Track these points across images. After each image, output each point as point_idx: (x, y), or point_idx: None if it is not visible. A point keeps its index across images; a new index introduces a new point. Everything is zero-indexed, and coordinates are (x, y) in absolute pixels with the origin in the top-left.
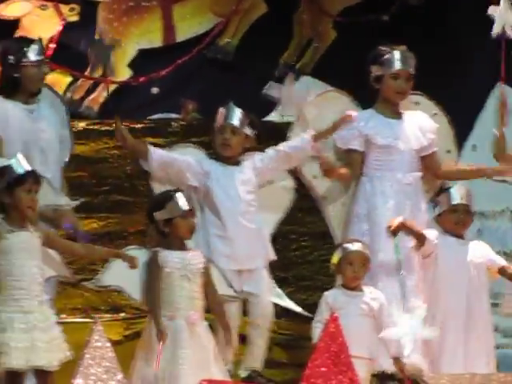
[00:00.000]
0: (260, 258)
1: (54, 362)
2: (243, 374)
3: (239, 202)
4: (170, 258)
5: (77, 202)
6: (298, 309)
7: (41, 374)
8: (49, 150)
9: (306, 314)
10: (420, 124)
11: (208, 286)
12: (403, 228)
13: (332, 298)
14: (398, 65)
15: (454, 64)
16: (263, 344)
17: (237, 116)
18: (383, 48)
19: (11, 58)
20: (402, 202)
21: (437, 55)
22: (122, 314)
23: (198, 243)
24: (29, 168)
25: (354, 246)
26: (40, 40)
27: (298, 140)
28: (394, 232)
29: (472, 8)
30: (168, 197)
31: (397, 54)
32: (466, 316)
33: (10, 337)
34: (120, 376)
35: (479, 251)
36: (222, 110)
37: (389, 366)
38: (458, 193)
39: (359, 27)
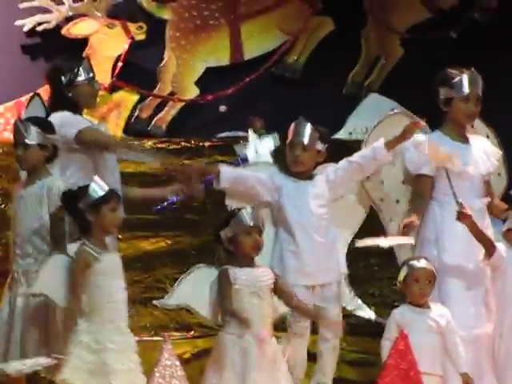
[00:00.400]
0: (332, 272)
1: None
2: None
3: (311, 216)
4: (239, 275)
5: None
6: (380, 319)
7: None
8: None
9: (384, 322)
10: (485, 149)
11: (281, 291)
12: (472, 227)
13: (400, 315)
14: (468, 88)
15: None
16: (333, 359)
17: (307, 132)
18: (452, 70)
19: (63, 78)
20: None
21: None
22: (191, 333)
23: (272, 259)
24: (108, 188)
25: (420, 263)
26: (88, 59)
27: (370, 149)
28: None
29: None
30: (232, 214)
31: (466, 77)
32: None
33: (112, 358)
34: None
35: None
36: (292, 126)
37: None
38: None
39: (427, 44)
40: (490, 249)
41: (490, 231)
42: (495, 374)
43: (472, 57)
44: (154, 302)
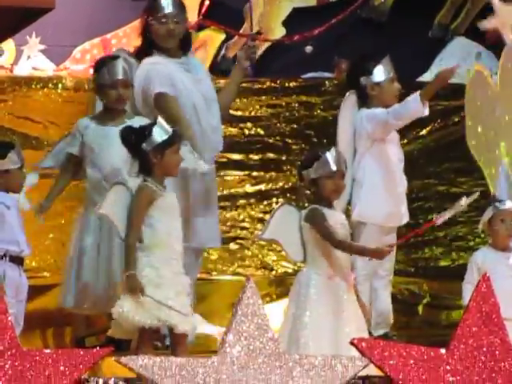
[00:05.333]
0: None
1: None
2: (378, 332)
3: None
4: (330, 215)
5: (208, 167)
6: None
7: (180, 335)
8: (210, 99)
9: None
10: None
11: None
12: None
13: (481, 258)
14: None
15: None
16: (389, 295)
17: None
18: None
19: (146, 16)
20: None
21: None
22: (273, 272)
23: None
24: (173, 129)
25: (506, 204)
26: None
27: (404, 104)
28: None
29: None
30: (317, 156)
31: None
32: None
33: (171, 297)
34: (271, 333)
35: None
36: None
37: None
38: None
39: None
40: None
41: None
42: None
43: None
44: (255, 235)
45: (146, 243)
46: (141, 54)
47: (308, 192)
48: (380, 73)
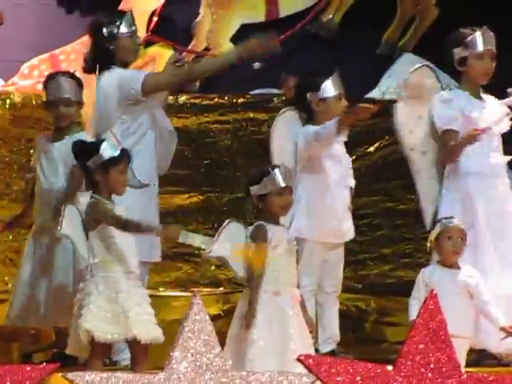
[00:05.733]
0: None
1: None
2: (325, 349)
3: None
4: (275, 232)
5: (148, 184)
6: None
7: (141, 347)
8: None
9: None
10: (498, 107)
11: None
12: None
13: (429, 274)
14: (481, 45)
15: None
16: (336, 312)
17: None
18: (464, 30)
19: (105, 30)
20: (494, 181)
21: None
22: (221, 289)
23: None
24: (121, 148)
25: (453, 221)
26: (131, 13)
27: (322, 127)
28: None
29: None
30: (265, 172)
31: (479, 35)
32: None
33: (131, 307)
34: (218, 349)
35: None
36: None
37: (489, 344)
38: None
39: (463, 4)
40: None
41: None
42: None
43: (508, 17)
44: (202, 254)
45: (101, 259)
46: (93, 67)
47: (255, 208)
48: (327, 89)
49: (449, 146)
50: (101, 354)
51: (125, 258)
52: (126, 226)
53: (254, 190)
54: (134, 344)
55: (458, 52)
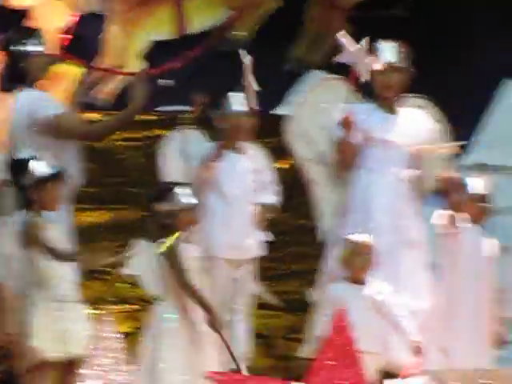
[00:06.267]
0: None
1: None
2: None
3: None
4: (185, 248)
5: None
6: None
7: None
8: None
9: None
10: (417, 122)
11: None
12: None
13: (337, 291)
14: (383, 59)
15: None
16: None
17: None
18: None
19: (14, 48)
20: (396, 197)
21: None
22: (131, 306)
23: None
24: (53, 167)
25: (361, 237)
26: (40, 30)
27: None
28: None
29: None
30: (169, 188)
31: (382, 48)
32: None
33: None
34: (127, 367)
35: (493, 246)
36: None
37: (397, 360)
38: (474, 182)
39: (373, 22)
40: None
41: (411, 204)
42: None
43: (418, 35)
44: (113, 270)
45: (42, 280)
46: (7, 84)
47: (159, 225)
48: (231, 106)
49: (340, 157)
50: (47, 371)
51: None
52: (52, 253)
53: (160, 206)
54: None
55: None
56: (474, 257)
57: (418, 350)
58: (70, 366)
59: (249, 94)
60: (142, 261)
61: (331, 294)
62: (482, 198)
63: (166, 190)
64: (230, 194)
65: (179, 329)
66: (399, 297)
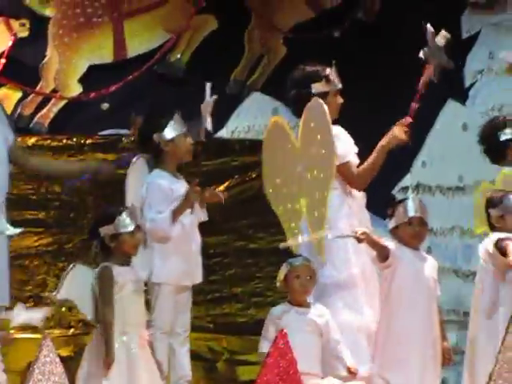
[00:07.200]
0: None
1: None
2: None
3: None
4: (121, 272)
5: (18, 230)
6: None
7: None
8: None
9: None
10: None
11: None
12: (368, 239)
13: (278, 313)
14: (337, 81)
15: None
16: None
17: None
18: (314, 68)
19: None
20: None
21: (384, 73)
22: (72, 330)
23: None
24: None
25: (300, 260)
26: None
27: None
28: (359, 240)
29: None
30: (114, 212)
31: (328, 71)
32: (425, 330)
33: None
34: None
35: (434, 267)
36: None
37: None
38: (413, 205)
39: (310, 44)
40: (382, 252)
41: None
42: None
43: (354, 57)
44: (47, 294)
45: None
46: None
47: (102, 249)
48: (171, 129)
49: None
50: None
51: None
52: None
53: (105, 229)
54: None
55: (317, 87)
56: (416, 281)
57: (354, 376)
58: None
59: (201, 127)
60: (77, 286)
61: (273, 316)
62: (418, 221)
63: (113, 214)
64: (186, 220)
65: (116, 351)
66: (360, 318)
